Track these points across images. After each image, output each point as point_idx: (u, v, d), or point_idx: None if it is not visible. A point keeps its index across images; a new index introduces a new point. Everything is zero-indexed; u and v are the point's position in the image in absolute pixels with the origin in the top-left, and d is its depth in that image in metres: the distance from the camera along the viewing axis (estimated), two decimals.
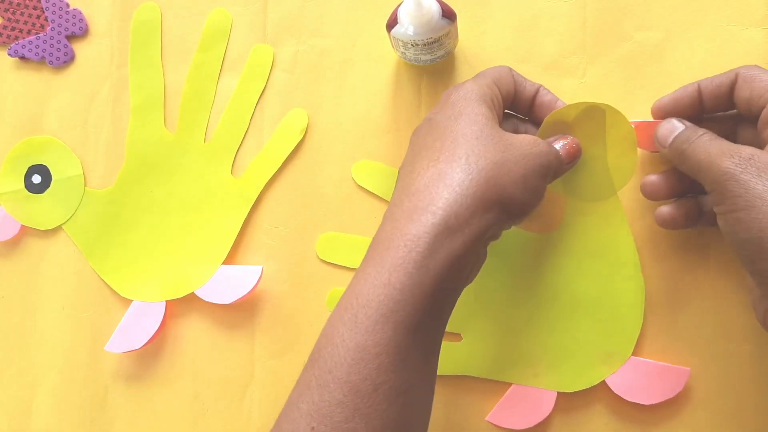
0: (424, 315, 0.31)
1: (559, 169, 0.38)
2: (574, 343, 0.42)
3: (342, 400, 0.29)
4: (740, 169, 0.32)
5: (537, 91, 0.40)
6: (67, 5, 0.49)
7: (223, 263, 0.46)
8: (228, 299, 0.45)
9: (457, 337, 0.44)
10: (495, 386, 0.43)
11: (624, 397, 0.41)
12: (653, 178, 0.40)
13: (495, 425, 0.43)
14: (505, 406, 0.43)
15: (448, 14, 0.40)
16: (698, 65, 0.43)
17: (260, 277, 0.45)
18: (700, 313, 0.42)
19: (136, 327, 0.46)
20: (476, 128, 0.35)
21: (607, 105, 0.40)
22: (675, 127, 0.38)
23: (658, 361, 0.42)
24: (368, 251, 0.33)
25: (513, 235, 0.43)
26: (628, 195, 0.43)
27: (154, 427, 0.47)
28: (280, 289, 0.46)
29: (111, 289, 0.48)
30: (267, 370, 0.46)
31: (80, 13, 0.49)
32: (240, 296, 0.45)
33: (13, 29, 0.50)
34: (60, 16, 0.49)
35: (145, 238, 0.48)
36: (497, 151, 0.34)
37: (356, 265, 0.43)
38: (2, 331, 0.49)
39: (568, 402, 0.43)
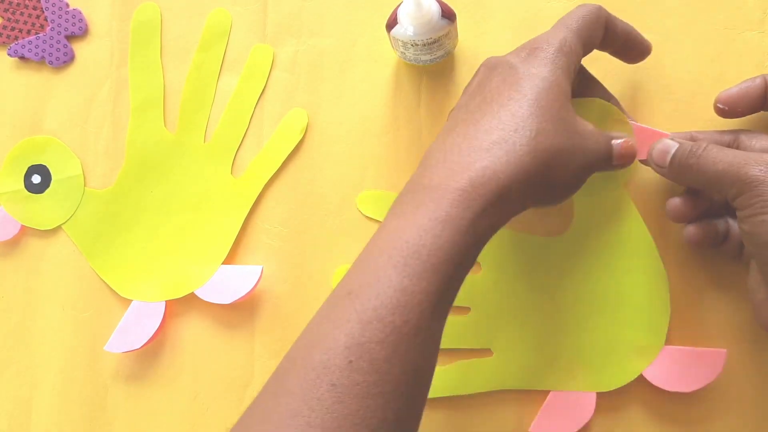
0: (460, 271, 0.32)
1: (604, 168, 0.38)
2: (606, 341, 0.42)
3: (383, 339, 0.29)
4: (765, 175, 0.33)
5: (629, 34, 0.39)
6: (67, 5, 0.49)
7: (222, 263, 0.46)
8: (228, 299, 0.45)
9: (487, 353, 0.43)
10: (533, 396, 0.43)
11: (664, 388, 0.41)
12: (676, 200, 0.40)
13: None
14: (546, 414, 0.42)
15: (448, 14, 0.40)
16: (695, 68, 0.43)
17: (260, 277, 0.45)
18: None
19: (136, 327, 0.46)
20: (552, 105, 0.34)
21: (605, 102, 0.40)
22: (670, 145, 0.38)
23: (692, 347, 0.41)
24: (416, 188, 0.33)
25: (528, 242, 0.43)
26: (635, 188, 0.43)
27: (154, 427, 0.46)
28: (280, 289, 0.46)
29: (111, 289, 0.48)
30: (267, 370, 0.46)
31: (80, 13, 0.49)
32: (240, 296, 0.45)
33: (12, 29, 0.50)
34: (60, 16, 0.49)
35: (144, 238, 0.48)
36: (565, 137, 0.34)
37: None
38: (2, 331, 0.49)
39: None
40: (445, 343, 0.42)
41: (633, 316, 0.42)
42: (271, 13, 0.48)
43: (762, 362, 0.41)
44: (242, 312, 0.46)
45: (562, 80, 0.35)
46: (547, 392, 0.42)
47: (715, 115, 0.40)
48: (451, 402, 0.43)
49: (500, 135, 0.33)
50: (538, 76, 0.34)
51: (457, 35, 0.43)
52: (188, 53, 0.48)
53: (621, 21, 0.39)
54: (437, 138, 0.35)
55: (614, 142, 0.38)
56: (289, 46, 0.47)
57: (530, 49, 0.36)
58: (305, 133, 0.47)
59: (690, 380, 0.40)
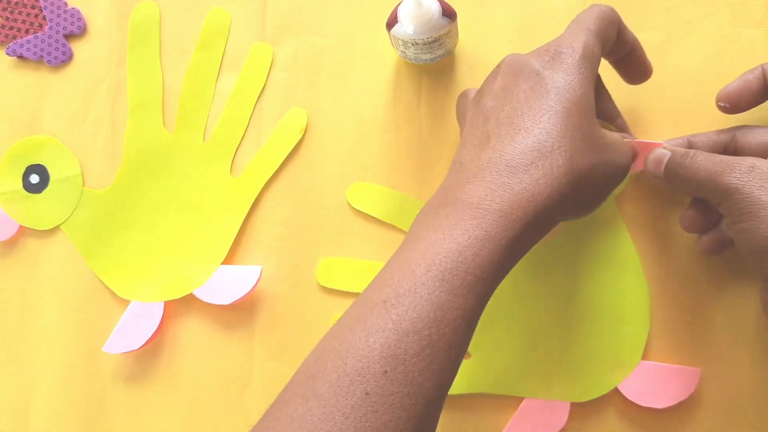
0: (492, 289, 0.32)
1: (625, 176, 0.38)
2: (583, 352, 0.42)
3: (419, 352, 0.29)
4: (742, 183, 0.33)
5: (635, 44, 0.39)
6: (65, 4, 0.49)
7: (222, 263, 0.46)
8: (227, 300, 0.45)
9: (466, 355, 0.43)
10: (507, 402, 0.43)
11: (637, 402, 0.41)
12: (690, 212, 0.40)
13: None
14: (519, 421, 0.42)
15: (449, 13, 0.39)
16: (698, 66, 0.43)
17: (259, 278, 0.45)
18: (706, 312, 0.42)
19: (135, 327, 0.46)
20: (582, 121, 0.34)
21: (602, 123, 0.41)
22: (663, 154, 0.38)
23: (668, 363, 0.41)
24: (453, 202, 0.33)
25: None
26: (624, 200, 0.43)
27: (153, 428, 0.46)
28: (280, 289, 0.46)
29: (109, 289, 0.48)
30: (266, 370, 0.45)
31: (78, 12, 0.49)
32: (239, 296, 0.45)
33: (11, 28, 0.49)
34: (58, 15, 0.49)
35: (143, 238, 0.47)
36: (595, 153, 0.34)
37: (358, 289, 0.44)
38: (0, 331, 0.49)
39: (581, 411, 0.42)
40: None
41: (612, 328, 0.42)
42: (270, 12, 0.47)
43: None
44: (241, 312, 0.46)
45: (589, 90, 0.35)
46: (521, 399, 0.42)
47: (717, 112, 0.40)
48: None
49: (537, 156, 0.32)
50: (567, 88, 0.34)
51: (457, 34, 0.43)
52: (187, 52, 0.48)
53: (630, 31, 0.39)
54: (467, 146, 0.35)
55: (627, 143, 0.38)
56: (289, 45, 0.47)
57: (554, 53, 0.35)
58: (305, 132, 0.46)
59: (664, 396, 0.40)
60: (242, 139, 0.47)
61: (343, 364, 0.29)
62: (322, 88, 0.46)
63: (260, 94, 0.47)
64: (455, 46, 0.44)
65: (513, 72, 0.36)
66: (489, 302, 0.42)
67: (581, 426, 0.42)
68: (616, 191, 0.42)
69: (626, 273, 0.42)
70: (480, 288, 0.31)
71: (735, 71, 0.42)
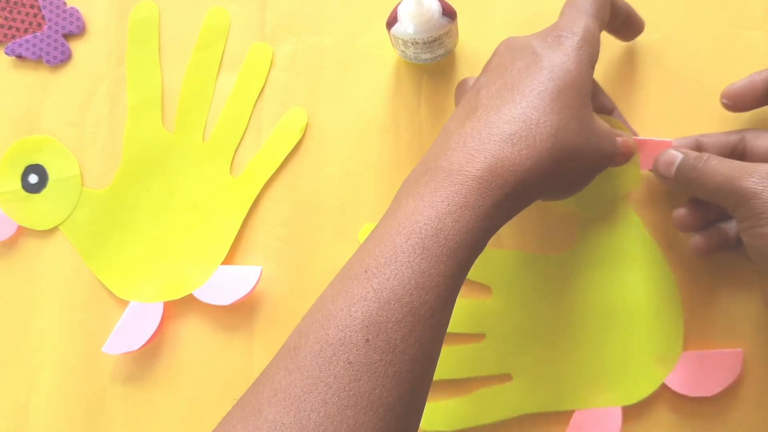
0: (472, 257, 0.32)
1: (608, 165, 0.38)
2: (624, 353, 0.41)
3: (401, 320, 0.29)
4: (761, 187, 0.33)
5: (629, 9, 0.40)
6: (64, 4, 0.49)
7: (221, 264, 0.46)
8: (227, 300, 0.45)
9: (507, 378, 0.43)
10: (558, 418, 0.42)
11: (687, 394, 0.40)
12: (682, 211, 0.40)
13: None
14: None
15: (449, 12, 0.39)
16: (697, 67, 0.43)
17: (259, 278, 0.45)
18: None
19: (134, 328, 0.46)
20: (573, 101, 0.34)
21: (608, 116, 0.41)
22: (674, 156, 0.38)
23: (709, 350, 0.41)
24: (434, 169, 0.33)
25: (535, 262, 0.43)
26: (637, 196, 0.43)
27: (152, 429, 0.46)
28: (280, 289, 0.46)
29: (108, 290, 0.47)
30: None
31: (77, 11, 0.49)
32: (239, 297, 0.45)
33: (10, 28, 0.49)
34: (57, 15, 0.49)
35: (142, 238, 0.47)
36: (582, 136, 0.34)
37: None
38: None
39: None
40: (463, 372, 0.42)
41: (648, 325, 0.41)
42: (269, 11, 0.47)
43: None
44: (241, 313, 0.46)
45: (585, 73, 0.35)
46: (571, 412, 0.42)
47: (717, 112, 0.40)
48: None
49: (521, 126, 0.33)
50: (562, 67, 0.34)
51: (457, 34, 0.43)
52: (186, 52, 0.48)
53: (621, 1, 0.39)
54: (455, 117, 0.35)
55: (618, 138, 0.38)
56: (288, 44, 0.47)
57: (554, 36, 0.36)
58: (304, 132, 0.46)
59: (712, 383, 0.40)
60: (242, 138, 0.47)
61: (326, 335, 0.29)
62: (322, 88, 0.46)
63: (260, 93, 0.47)
64: (455, 45, 0.44)
65: (510, 50, 0.36)
66: (520, 321, 0.43)
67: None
68: (625, 190, 0.42)
69: (651, 268, 0.42)
70: (461, 254, 0.31)
71: (735, 72, 0.42)
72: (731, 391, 0.41)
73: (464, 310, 0.43)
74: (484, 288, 0.43)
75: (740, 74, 0.42)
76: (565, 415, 0.42)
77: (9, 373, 0.48)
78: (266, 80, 0.47)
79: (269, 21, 0.47)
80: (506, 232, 0.44)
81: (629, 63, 0.43)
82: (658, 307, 0.41)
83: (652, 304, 0.42)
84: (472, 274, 0.43)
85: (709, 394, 0.40)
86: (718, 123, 0.42)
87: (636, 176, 0.42)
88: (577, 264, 0.43)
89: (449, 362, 0.42)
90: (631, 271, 0.42)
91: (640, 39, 0.43)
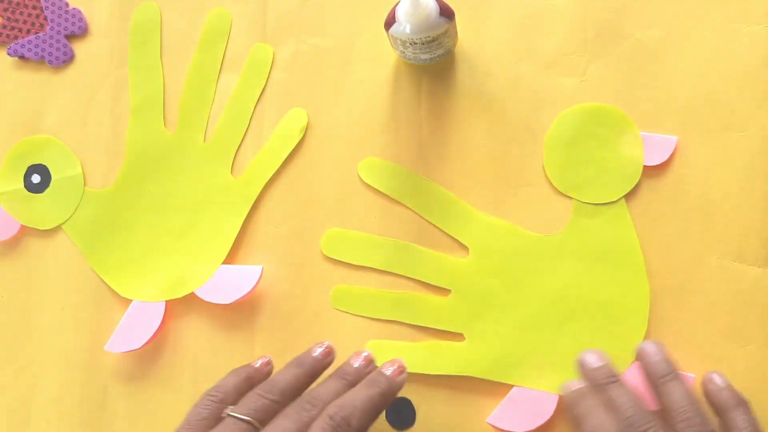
0: None
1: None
2: (577, 346, 0.42)
3: None
4: None
5: None
6: (67, 4, 0.49)
7: (222, 263, 0.46)
8: (228, 299, 0.45)
9: (459, 337, 0.44)
10: (496, 387, 0.43)
11: None
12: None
13: (495, 427, 0.42)
14: (506, 408, 0.42)
15: (446, 13, 0.39)
16: (699, 63, 0.43)
17: (260, 277, 0.45)
18: (707, 318, 0.42)
19: (136, 327, 0.46)
20: None
21: (618, 109, 0.41)
22: (570, 385, 0.39)
23: None
24: None
25: (519, 236, 0.43)
26: (635, 201, 0.43)
27: (154, 427, 0.46)
28: (280, 289, 0.46)
29: (110, 288, 0.48)
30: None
31: (80, 12, 0.49)
32: (240, 296, 0.45)
33: (12, 29, 0.50)
34: (59, 16, 0.49)
35: (144, 237, 0.48)
36: None
37: (361, 261, 0.44)
38: (1, 330, 0.49)
39: None
40: (420, 320, 0.44)
41: (609, 326, 0.42)
42: (270, 12, 0.48)
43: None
44: (242, 312, 0.46)
45: None
46: (510, 387, 0.43)
47: (718, 108, 0.40)
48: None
49: None
50: None
51: (456, 34, 0.43)
52: (188, 53, 0.48)
53: None
54: None
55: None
56: (289, 45, 0.47)
57: None
58: (305, 132, 0.46)
59: (654, 398, 0.40)
60: (243, 139, 0.47)
61: None
62: (323, 89, 0.47)
63: (261, 94, 0.47)
64: (455, 45, 0.44)
65: None
66: (487, 287, 0.43)
67: (567, 421, 0.42)
68: (629, 186, 0.42)
69: (629, 273, 0.42)
70: None
71: (737, 68, 0.42)
72: None
73: (437, 263, 0.44)
74: (463, 247, 0.44)
75: (742, 70, 0.42)
76: (504, 388, 0.43)
77: (12, 372, 0.49)
78: (267, 81, 0.47)
79: (270, 22, 0.48)
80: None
81: (630, 61, 0.43)
82: (623, 312, 0.42)
83: (617, 308, 0.42)
84: (454, 231, 0.44)
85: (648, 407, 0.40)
86: (719, 118, 0.42)
87: (637, 170, 0.42)
88: (558, 249, 0.43)
89: (410, 308, 0.44)
90: (608, 270, 0.42)
91: (641, 37, 0.43)
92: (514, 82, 0.45)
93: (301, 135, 0.46)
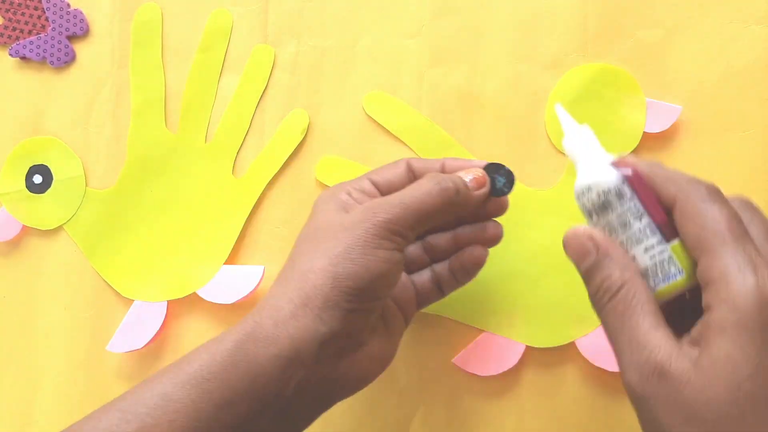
0: (234, 401, 0.31)
1: (448, 205, 0.34)
2: (550, 301, 0.43)
3: None
4: (647, 391, 0.26)
5: (443, 165, 0.37)
6: (68, 5, 0.49)
7: (224, 263, 0.46)
8: (230, 299, 0.45)
9: None
10: (466, 330, 0.44)
11: (590, 360, 0.42)
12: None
13: (459, 368, 0.43)
14: (472, 350, 0.43)
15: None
16: (700, 63, 0.43)
17: (262, 278, 0.45)
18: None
19: (138, 327, 0.46)
20: (305, 231, 0.35)
21: (626, 72, 0.41)
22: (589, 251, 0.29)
23: None
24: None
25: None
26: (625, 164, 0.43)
27: None
28: None
29: (112, 289, 0.48)
30: None
31: (81, 13, 0.49)
32: (242, 296, 0.45)
33: (14, 29, 0.50)
34: (61, 17, 0.49)
35: (146, 238, 0.48)
36: (321, 239, 0.33)
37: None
38: (3, 331, 0.49)
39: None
40: None
41: (583, 286, 0.42)
42: (272, 13, 0.48)
43: None
44: (244, 312, 0.46)
45: (329, 205, 0.36)
46: (480, 331, 0.43)
47: (720, 108, 0.40)
48: None
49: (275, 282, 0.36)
50: (308, 219, 0.37)
51: None
52: (189, 54, 0.48)
53: (433, 161, 0.38)
54: None
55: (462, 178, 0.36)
56: (290, 46, 0.47)
57: None
58: (306, 133, 0.47)
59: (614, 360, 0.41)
60: (244, 139, 0.47)
61: None
62: (324, 90, 0.47)
63: (262, 95, 0.47)
64: None
65: None
66: None
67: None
68: (626, 149, 0.42)
69: None
70: (209, 387, 0.31)
71: (738, 68, 0.42)
72: None
73: None
74: None
75: (744, 69, 0.42)
76: (474, 332, 0.43)
77: (14, 372, 0.49)
78: (268, 82, 0.47)
79: (271, 23, 0.48)
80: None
81: (631, 61, 0.43)
82: None
83: None
84: None
85: (610, 369, 0.41)
86: (721, 118, 0.42)
87: (636, 135, 0.42)
88: (545, 204, 0.43)
89: None
90: None
91: (642, 36, 0.44)
92: (514, 82, 0.45)
93: (303, 135, 0.46)
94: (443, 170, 0.37)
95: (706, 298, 0.26)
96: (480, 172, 0.36)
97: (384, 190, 0.37)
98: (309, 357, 0.31)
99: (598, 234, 0.29)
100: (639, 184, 0.28)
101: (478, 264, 0.38)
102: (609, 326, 0.28)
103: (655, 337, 0.26)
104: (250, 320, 0.33)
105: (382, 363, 0.35)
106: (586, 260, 0.29)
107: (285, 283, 0.33)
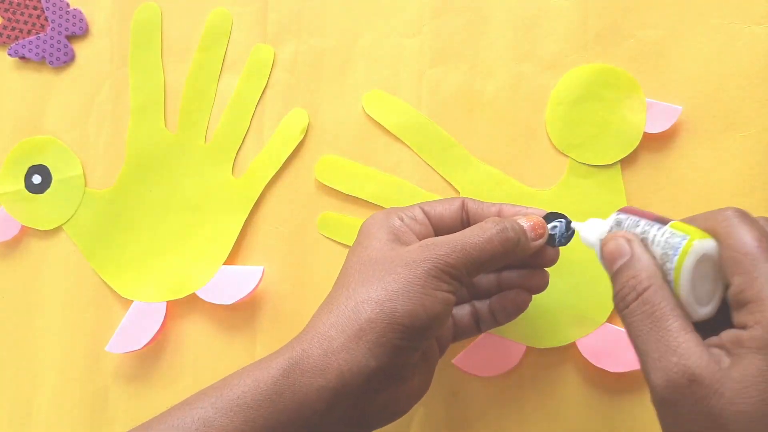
0: (276, 429, 0.31)
1: (509, 251, 0.34)
2: (550, 302, 0.43)
3: None
4: (675, 396, 0.26)
5: (499, 211, 0.37)
6: (67, 5, 0.49)
7: (224, 264, 0.46)
8: (229, 300, 0.45)
9: None
10: None
11: (591, 361, 0.42)
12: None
13: (459, 368, 0.43)
14: (472, 351, 0.43)
15: None
16: (700, 64, 0.43)
17: (261, 278, 0.45)
18: None
19: (137, 327, 0.46)
20: (358, 258, 0.34)
21: (626, 73, 0.42)
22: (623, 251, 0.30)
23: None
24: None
25: (511, 187, 0.44)
26: (629, 169, 0.43)
27: None
28: (281, 289, 0.46)
29: (111, 289, 0.48)
30: None
31: (80, 12, 0.49)
32: (241, 297, 0.45)
33: (13, 29, 0.50)
34: (60, 16, 0.49)
35: (145, 238, 0.48)
36: (377, 270, 0.32)
37: (352, 191, 0.45)
38: (2, 331, 0.49)
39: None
40: None
41: (584, 286, 0.42)
42: (271, 13, 0.48)
43: None
44: (243, 312, 0.46)
45: (381, 233, 0.35)
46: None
47: (720, 108, 0.40)
48: None
49: (323, 307, 0.35)
50: (355, 244, 0.36)
51: None
52: (189, 53, 0.48)
53: (489, 204, 0.38)
54: None
55: (519, 222, 0.36)
56: (290, 46, 0.47)
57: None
58: (306, 133, 0.47)
59: (618, 361, 0.41)
60: (244, 139, 0.47)
61: None
62: (323, 89, 0.47)
63: (261, 94, 0.47)
64: None
65: None
66: None
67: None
68: (624, 154, 0.42)
69: None
70: (251, 414, 0.31)
71: (738, 68, 0.42)
72: (634, 377, 0.42)
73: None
74: (453, 190, 0.44)
75: (743, 70, 0.42)
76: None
77: (12, 372, 0.49)
78: (268, 81, 0.47)
79: (271, 22, 0.48)
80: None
81: (631, 61, 0.43)
82: (599, 274, 0.41)
83: (594, 268, 0.41)
84: (446, 173, 0.44)
85: (611, 369, 0.41)
86: (722, 119, 0.42)
87: (637, 136, 0.42)
88: (546, 204, 0.43)
89: None
90: None
91: (642, 37, 0.43)
92: (514, 82, 0.45)
93: (302, 135, 0.46)
94: (500, 215, 0.37)
95: (741, 316, 0.26)
96: (539, 221, 0.36)
97: (435, 222, 0.36)
98: (355, 390, 0.31)
99: (635, 238, 0.30)
100: (632, 211, 0.32)
101: (520, 309, 0.38)
102: (634, 327, 0.28)
103: (686, 341, 0.26)
104: (297, 348, 0.32)
105: (417, 396, 0.35)
106: (620, 260, 0.30)
107: (336, 312, 0.32)
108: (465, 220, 0.37)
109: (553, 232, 0.36)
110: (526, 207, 0.37)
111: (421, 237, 0.35)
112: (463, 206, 0.37)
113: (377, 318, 0.31)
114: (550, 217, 0.37)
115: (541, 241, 0.36)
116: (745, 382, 0.24)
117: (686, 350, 0.26)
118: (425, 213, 0.36)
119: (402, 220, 0.35)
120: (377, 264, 0.33)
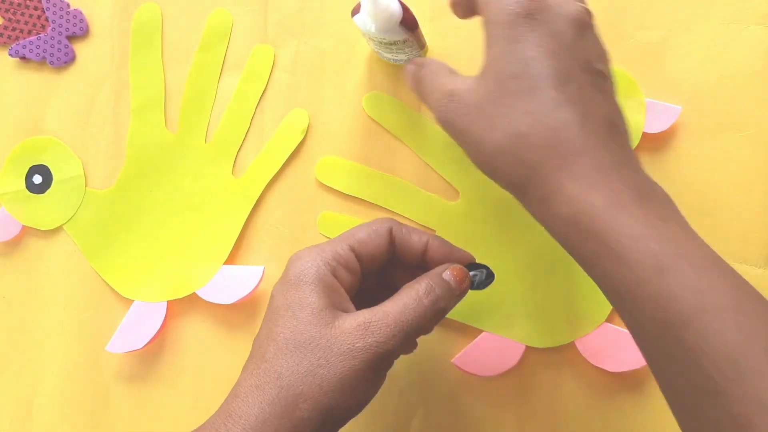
0: None
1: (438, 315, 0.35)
2: (549, 301, 0.43)
3: None
4: (448, 112, 0.33)
5: (426, 243, 0.37)
6: (68, 5, 0.49)
7: (224, 263, 0.46)
8: (229, 299, 0.45)
9: None
10: (466, 330, 0.44)
11: (590, 361, 0.42)
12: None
13: (459, 368, 0.43)
14: (472, 351, 0.43)
15: (409, 22, 0.38)
16: (699, 63, 0.43)
17: (261, 278, 0.45)
18: None
19: (138, 327, 0.46)
20: (290, 333, 0.32)
21: (626, 72, 0.42)
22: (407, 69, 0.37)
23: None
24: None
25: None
26: None
27: (156, 428, 0.47)
28: None
29: (112, 289, 0.48)
30: None
31: (81, 13, 0.49)
32: (241, 296, 0.45)
33: (13, 29, 0.50)
34: (60, 17, 0.49)
35: (146, 238, 0.48)
36: (312, 357, 0.31)
37: (352, 191, 0.45)
38: (3, 331, 0.49)
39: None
40: None
41: (583, 286, 0.42)
42: (271, 13, 0.48)
43: None
44: (244, 312, 0.46)
45: (312, 298, 0.33)
46: (480, 331, 0.43)
47: (721, 109, 0.40)
48: None
49: (250, 384, 0.34)
50: (279, 309, 0.34)
51: (422, 44, 0.42)
52: (189, 54, 0.48)
53: (419, 233, 0.37)
54: None
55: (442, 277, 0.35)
56: (290, 46, 0.47)
57: (285, 269, 0.35)
58: (306, 133, 0.47)
59: (616, 361, 0.41)
60: (244, 139, 0.47)
61: None
62: (324, 89, 0.47)
63: (262, 95, 0.47)
64: (420, 55, 0.44)
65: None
66: (471, 232, 0.44)
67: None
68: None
69: None
70: None
71: (737, 68, 0.42)
72: (632, 376, 0.42)
73: (426, 203, 0.45)
74: (455, 192, 0.45)
75: (742, 70, 0.42)
76: (473, 332, 0.44)
77: (13, 372, 0.49)
78: (268, 82, 0.47)
79: (271, 23, 0.48)
80: None
81: (630, 61, 0.44)
82: None
83: None
84: (447, 174, 0.44)
85: (610, 369, 0.41)
86: (721, 118, 0.42)
87: (636, 136, 0.42)
88: None
89: None
90: None
91: (641, 37, 0.44)
92: None
93: (302, 135, 0.46)
94: (427, 252, 0.36)
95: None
96: (462, 272, 0.36)
97: (365, 261, 0.36)
98: None
99: (418, 59, 0.37)
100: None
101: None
102: (422, 91, 0.35)
103: (451, 78, 0.33)
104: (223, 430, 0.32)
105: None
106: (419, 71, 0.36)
107: (265, 395, 0.31)
108: (391, 249, 0.37)
109: (473, 279, 0.37)
110: (453, 250, 0.37)
111: (350, 287, 0.35)
112: (390, 236, 0.36)
113: (311, 416, 0.30)
114: (473, 265, 0.38)
115: (463, 288, 0.36)
116: (484, 69, 0.32)
117: (450, 81, 0.33)
118: (355, 254, 0.35)
119: (335, 272, 0.34)
120: (309, 347, 0.31)
